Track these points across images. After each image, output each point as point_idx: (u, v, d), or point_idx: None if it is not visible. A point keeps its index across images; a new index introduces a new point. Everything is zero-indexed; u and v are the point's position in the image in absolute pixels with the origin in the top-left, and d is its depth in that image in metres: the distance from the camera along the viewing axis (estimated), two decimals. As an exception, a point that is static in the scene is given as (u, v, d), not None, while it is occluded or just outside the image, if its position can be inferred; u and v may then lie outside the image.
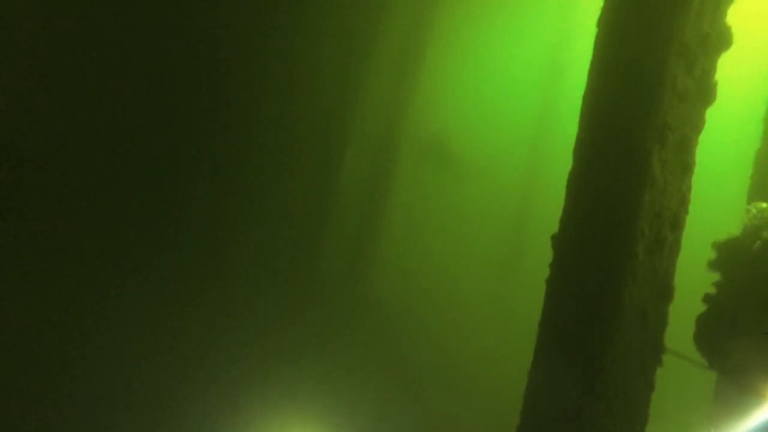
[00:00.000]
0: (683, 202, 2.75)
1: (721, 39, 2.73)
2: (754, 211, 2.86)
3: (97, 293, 7.57)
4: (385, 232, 11.30)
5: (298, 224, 10.67)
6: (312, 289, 10.44)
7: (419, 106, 11.74)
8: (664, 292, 2.70)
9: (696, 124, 2.74)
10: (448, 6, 11.72)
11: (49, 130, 7.34)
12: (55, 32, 7.18)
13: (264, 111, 9.58)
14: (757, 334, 2.94)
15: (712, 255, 2.75)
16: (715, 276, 2.75)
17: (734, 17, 3.01)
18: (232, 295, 9.20)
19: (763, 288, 2.75)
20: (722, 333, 2.79)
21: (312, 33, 9.95)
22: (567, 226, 3.00)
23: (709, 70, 2.72)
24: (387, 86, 11.40)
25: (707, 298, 2.67)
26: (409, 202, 12.45)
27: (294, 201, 10.62)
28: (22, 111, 7.04)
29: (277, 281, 10.36)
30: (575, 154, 3.07)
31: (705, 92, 2.72)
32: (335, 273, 11.05)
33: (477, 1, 13.48)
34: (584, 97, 3.01)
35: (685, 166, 2.72)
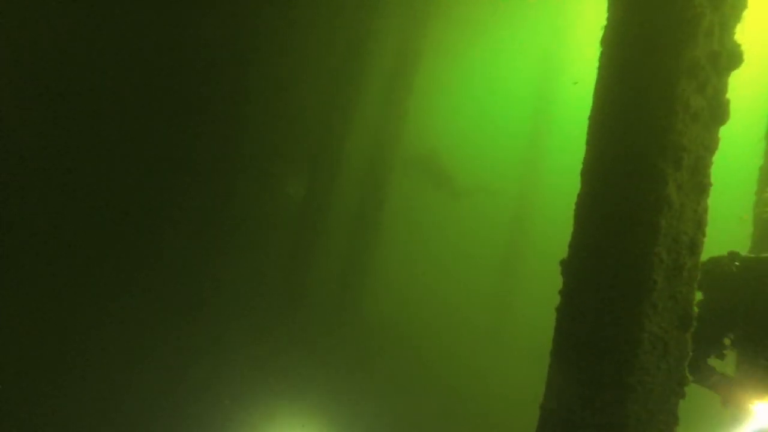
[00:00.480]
0: (700, 224, 2.64)
1: (732, 57, 2.66)
2: None
3: (94, 298, 7.43)
4: (377, 250, 11.14)
5: (290, 244, 10.53)
6: (302, 310, 10.28)
7: (412, 121, 11.71)
8: (685, 320, 2.58)
9: (710, 144, 2.65)
10: (440, 21, 11.76)
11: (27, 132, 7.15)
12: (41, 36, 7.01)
13: (255, 126, 9.49)
14: (739, 351, 3.01)
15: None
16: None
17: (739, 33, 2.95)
18: (219, 314, 9.05)
19: (743, 307, 2.90)
20: (704, 350, 2.97)
21: (304, 49, 9.92)
22: (577, 252, 2.88)
23: (720, 89, 2.64)
24: (379, 102, 11.37)
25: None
26: (402, 219, 12.33)
27: (285, 220, 10.49)
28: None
29: (266, 301, 10.20)
30: (584, 178, 2.96)
31: (717, 111, 2.63)
32: (326, 295, 10.90)
33: (469, 18, 13.56)
34: (591, 118, 2.92)
35: (700, 187, 2.62)
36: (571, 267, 2.90)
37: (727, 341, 3.01)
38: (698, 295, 2.76)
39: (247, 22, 9.06)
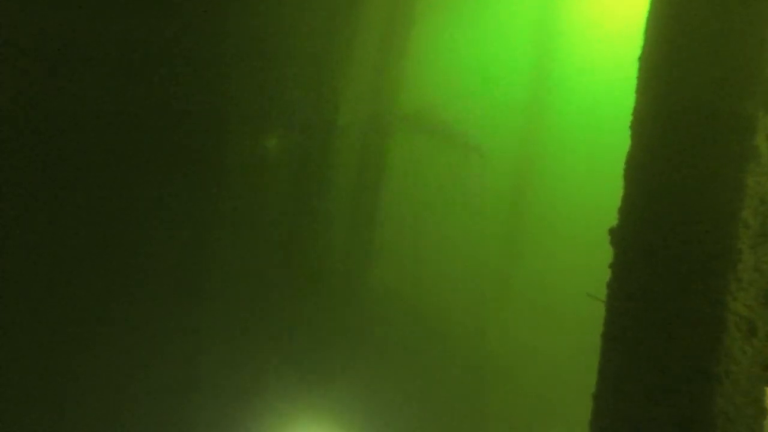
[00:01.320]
0: (789, 180, 2.18)
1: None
2: None
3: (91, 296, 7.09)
4: (380, 216, 10.72)
5: (290, 214, 10.08)
6: (309, 280, 9.94)
7: (410, 79, 11.09)
8: (771, 295, 2.16)
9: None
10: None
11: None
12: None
13: (245, 89, 8.90)
14: None
15: None
16: None
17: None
18: (223, 289, 8.69)
19: None
20: None
21: (294, 5, 9.23)
22: (633, 218, 2.44)
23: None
24: (374, 60, 10.72)
25: None
26: (403, 183, 11.85)
27: (284, 189, 10.00)
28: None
29: (270, 274, 9.85)
30: (636, 128, 2.49)
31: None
32: (332, 263, 10.55)
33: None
34: (646, 51, 2.43)
35: (790, 135, 2.15)
36: (626, 236, 2.47)
37: None
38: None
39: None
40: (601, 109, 13.87)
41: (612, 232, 2.57)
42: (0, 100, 6.49)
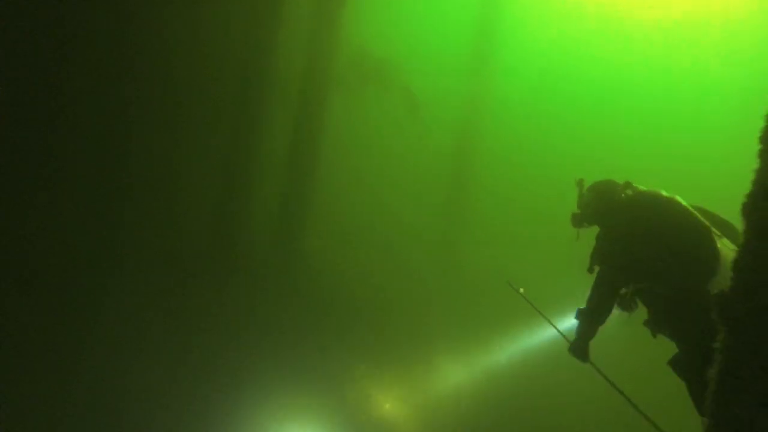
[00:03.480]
0: None
1: None
2: None
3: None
4: (319, 172, 9.85)
5: (224, 180, 9.03)
6: (242, 250, 9.06)
7: (350, 29, 10.11)
8: None
9: None
10: None
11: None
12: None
13: (178, 59, 7.66)
14: None
15: None
16: None
17: None
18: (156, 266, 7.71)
19: None
20: None
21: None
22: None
23: None
24: (312, 9, 9.60)
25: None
26: (343, 138, 10.97)
27: (218, 154, 8.90)
28: None
29: (203, 246, 8.88)
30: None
31: None
32: (266, 231, 9.68)
33: None
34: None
35: None
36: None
37: None
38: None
39: None
40: (546, 71, 13.73)
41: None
42: None
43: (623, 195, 3.43)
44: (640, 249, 3.15)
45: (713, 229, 3.14)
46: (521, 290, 4.00)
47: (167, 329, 6.94)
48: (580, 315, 3.39)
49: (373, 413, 7.12)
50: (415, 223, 11.69)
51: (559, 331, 3.74)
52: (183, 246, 8.54)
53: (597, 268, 3.38)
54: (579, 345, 3.41)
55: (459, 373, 8.13)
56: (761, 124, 1.85)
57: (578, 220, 3.66)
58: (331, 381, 7.30)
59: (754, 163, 1.84)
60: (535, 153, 12.38)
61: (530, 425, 7.22)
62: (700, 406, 2.89)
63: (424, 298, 10.03)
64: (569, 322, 3.70)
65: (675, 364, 3.14)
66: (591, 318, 3.32)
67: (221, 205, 9.00)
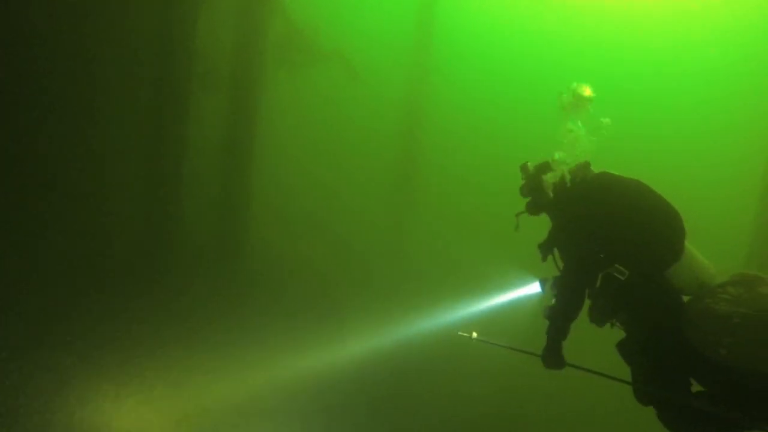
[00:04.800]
0: None
1: None
2: None
3: None
4: (259, 149, 9.01)
5: (150, 171, 8.01)
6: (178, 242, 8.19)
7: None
8: None
9: None
10: None
11: None
12: None
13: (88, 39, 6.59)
14: None
15: None
16: None
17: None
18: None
19: None
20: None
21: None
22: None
23: None
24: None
25: None
26: (285, 120, 10.11)
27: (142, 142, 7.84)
28: None
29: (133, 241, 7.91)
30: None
31: None
32: (202, 221, 8.84)
33: None
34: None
35: None
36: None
37: None
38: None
39: None
40: (488, 47, 13.17)
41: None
42: None
43: (581, 177, 3.15)
44: (612, 231, 2.93)
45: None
46: (474, 335, 3.60)
47: (91, 329, 6.04)
48: (550, 314, 3.06)
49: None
50: (359, 206, 11.04)
51: (526, 351, 3.35)
52: (111, 243, 7.58)
53: (560, 260, 3.13)
54: (552, 352, 3.06)
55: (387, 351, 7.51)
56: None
57: (535, 207, 3.28)
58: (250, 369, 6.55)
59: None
60: (484, 131, 11.89)
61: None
62: (638, 392, 2.93)
63: (364, 283, 9.40)
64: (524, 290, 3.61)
65: (622, 347, 3.02)
66: (564, 314, 3.01)
67: (150, 198, 8.02)
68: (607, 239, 2.93)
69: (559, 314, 3.02)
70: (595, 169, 3.18)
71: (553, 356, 3.05)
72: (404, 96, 10.98)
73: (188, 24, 7.80)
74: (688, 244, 2.92)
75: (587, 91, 3.14)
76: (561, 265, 3.14)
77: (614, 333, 3.08)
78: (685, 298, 2.87)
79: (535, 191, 3.27)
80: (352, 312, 7.98)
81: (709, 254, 2.96)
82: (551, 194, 3.21)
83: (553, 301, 3.06)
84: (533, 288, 3.43)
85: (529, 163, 3.32)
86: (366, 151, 11.39)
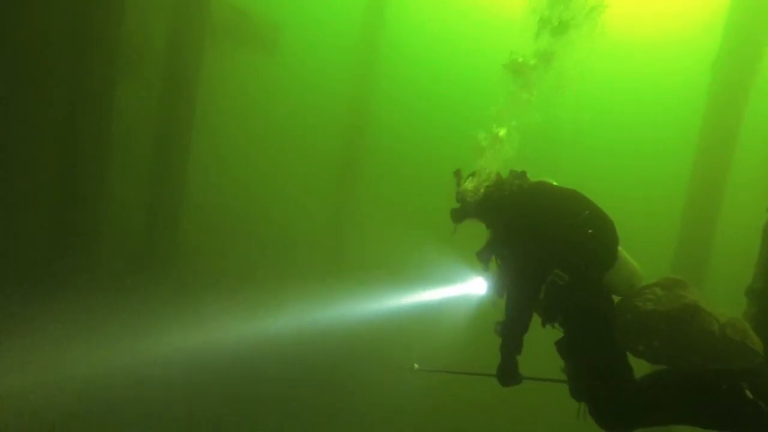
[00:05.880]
0: None
1: None
2: None
3: None
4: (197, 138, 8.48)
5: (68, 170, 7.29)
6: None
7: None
8: None
9: None
10: None
11: None
12: None
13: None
14: None
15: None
16: None
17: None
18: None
19: None
20: None
21: None
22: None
23: None
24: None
25: None
26: (220, 112, 9.60)
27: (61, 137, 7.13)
28: None
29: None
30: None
31: None
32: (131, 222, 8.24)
33: None
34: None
35: None
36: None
37: None
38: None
39: None
40: (439, 42, 13.11)
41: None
42: None
43: (516, 186, 3.18)
44: (554, 237, 3.01)
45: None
46: (415, 366, 3.62)
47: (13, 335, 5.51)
48: (502, 331, 3.06)
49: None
50: (300, 202, 10.72)
51: (477, 374, 3.39)
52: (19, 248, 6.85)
53: (500, 267, 3.16)
54: (508, 368, 3.08)
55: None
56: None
57: (460, 215, 3.28)
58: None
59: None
60: (427, 129, 11.82)
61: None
62: (574, 388, 3.03)
63: (300, 281, 9.10)
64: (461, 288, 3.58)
65: (560, 346, 3.09)
66: (518, 331, 3.02)
67: (67, 200, 7.29)
68: (550, 246, 2.99)
69: (512, 331, 3.03)
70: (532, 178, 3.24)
71: (508, 373, 3.06)
72: (348, 89, 10.77)
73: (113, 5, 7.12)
74: (621, 249, 3.07)
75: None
76: (500, 272, 3.17)
77: (549, 332, 3.13)
78: (616, 299, 3.04)
79: (462, 199, 3.27)
80: (282, 307, 7.74)
81: (640, 259, 3.10)
82: (479, 201, 3.20)
83: (504, 317, 3.06)
84: (478, 286, 3.47)
85: (460, 170, 3.34)
86: (308, 144, 11.08)
